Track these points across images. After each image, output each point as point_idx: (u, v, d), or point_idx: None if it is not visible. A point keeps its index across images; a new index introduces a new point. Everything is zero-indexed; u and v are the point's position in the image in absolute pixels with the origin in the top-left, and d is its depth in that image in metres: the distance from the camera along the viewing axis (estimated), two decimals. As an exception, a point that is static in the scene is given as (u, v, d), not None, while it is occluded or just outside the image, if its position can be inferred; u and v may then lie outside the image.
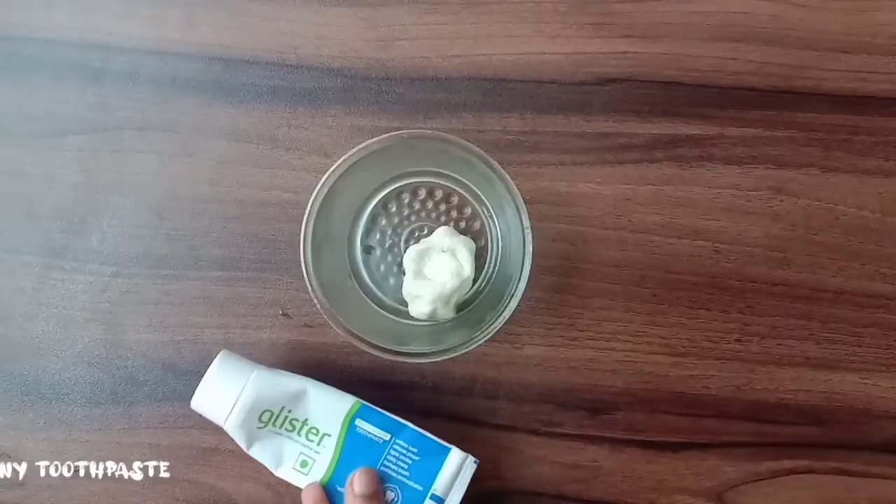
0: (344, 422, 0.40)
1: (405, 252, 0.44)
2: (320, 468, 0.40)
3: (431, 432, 0.46)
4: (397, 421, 0.41)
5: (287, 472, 0.40)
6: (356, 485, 0.39)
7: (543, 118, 0.47)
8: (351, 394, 0.41)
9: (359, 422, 0.40)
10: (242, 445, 0.40)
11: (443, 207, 0.46)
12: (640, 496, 0.46)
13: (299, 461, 0.40)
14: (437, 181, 0.45)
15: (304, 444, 0.40)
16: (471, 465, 0.40)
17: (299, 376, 0.41)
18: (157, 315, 0.47)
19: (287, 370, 0.46)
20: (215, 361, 0.40)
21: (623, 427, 0.46)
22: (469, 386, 0.46)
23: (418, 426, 0.43)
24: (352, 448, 0.40)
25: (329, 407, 0.40)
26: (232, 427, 0.39)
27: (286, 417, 0.40)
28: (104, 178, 0.48)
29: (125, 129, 0.48)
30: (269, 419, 0.40)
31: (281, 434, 0.40)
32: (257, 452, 0.40)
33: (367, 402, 0.41)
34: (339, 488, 0.39)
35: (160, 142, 0.48)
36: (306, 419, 0.40)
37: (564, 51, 0.47)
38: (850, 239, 0.46)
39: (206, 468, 0.46)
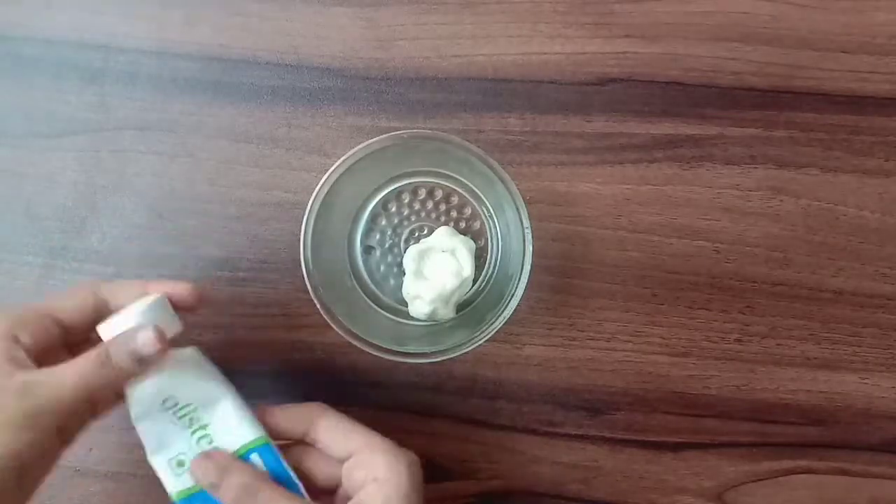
0: (239, 449, 0.37)
1: (405, 252, 0.44)
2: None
3: (431, 432, 0.46)
4: (289, 473, 0.37)
5: (161, 462, 0.36)
6: (198, 477, 0.36)
7: (543, 118, 0.47)
8: (257, 429, 0.37)
9: (253, 456, 0.37)
10: (133, 413, 0.36)
11: (443, 207, 0.46)
12: (640, 496, 0.46)
13: (178, 459, 0.37)
14: (437, 181, 0.45)
15: (191, 446, 0.37)
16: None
17: (223, 381, 0.38)
18: (157, 315, 0.47)
19: (287, 370, 0.46)
20: (151, 302, 0.36)
21: (623, 427, 0.46)
22: (469, 386, 0.46)
23: (418, 426, 0.43)
24: None
25: (234, 425, 0.37)
26: (135, 393, 0.36)
27: (189, 412, 0.37)
28: (104, 178, 0.48)
29: (125, 129, 0.48)
30: (173, 405, 0.36)
31: (176, 424, 0.37)
32: (144, 427, 0.36)
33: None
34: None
35: (160, 142, 0.47)
36: (206, 424, 0.37)
37: (564, 51, 0.47)
38: (850, 239, 0.46)
39: (206, 468, 0.46)
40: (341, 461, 0.37)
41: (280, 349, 0.46)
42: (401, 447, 0.37)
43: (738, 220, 0.46)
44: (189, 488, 0.37)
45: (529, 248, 0.40)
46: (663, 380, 0.46)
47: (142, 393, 0.36)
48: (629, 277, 0.46)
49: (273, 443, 0.37)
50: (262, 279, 0.47)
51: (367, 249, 0.46)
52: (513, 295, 0.40)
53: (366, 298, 0.45)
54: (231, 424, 0.37)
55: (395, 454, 0.36)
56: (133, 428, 0.46)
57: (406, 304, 0.44)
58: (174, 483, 0.37)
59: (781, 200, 0.47)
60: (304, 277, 0.41)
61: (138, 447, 0.46)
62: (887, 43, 0.47)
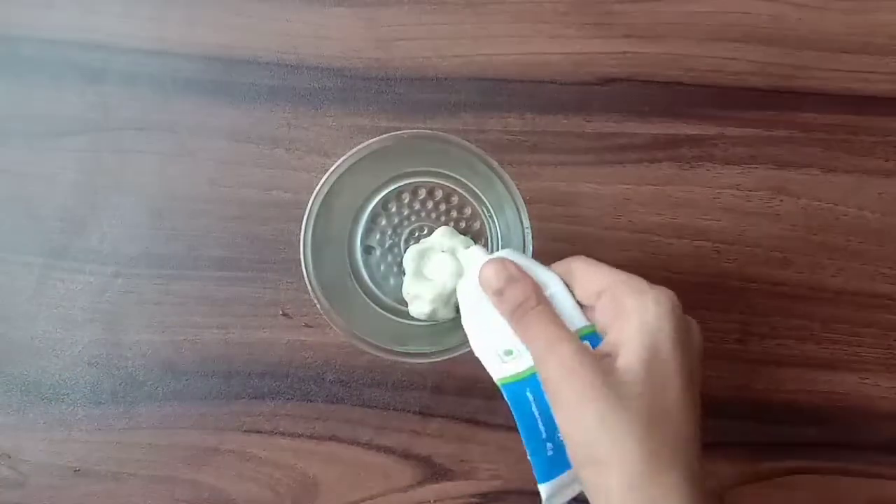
0: None
1: (405, 252, 0.44)
2: (522, 364, 0.34)
3: (431, 432, 0.46)
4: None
5: (488, 352, 0.35)
6: (485, 280, 0.34)
7: (543, 118, 0.47)
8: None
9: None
10: (462, 307, 0.36)
11: (443, 207, 0.46)
12: (640, 496, 0.46)
13: (505, 348, 0.35)
14: (437, 181, 0.45)
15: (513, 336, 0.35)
16: None
17: (547, 269, 0.36)
18: (157, 315, 0.47)
19: (287, 370, 0.46)
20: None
21: (623, 427, 0.46)
22: (469, 386, 0.46)
23: (418, 426, 0.43)
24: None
25: (565, 313, 0.34)
26: (463, 287, 0.36)
27: None
28: (104, 178, 0.48)
29: (125, 129, 0.48)
30: None
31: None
32: (472, 320, 0.36)
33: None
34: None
35: (160, 142, 0.48)
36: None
37: (564, 51, 0.47)
38: (850, 239, 0.46)
39: (206, 468, 0.46)
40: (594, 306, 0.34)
41: (280, 349, 0.46)
42: (656, 286, 0.32)
43: (738, 220, 0.46)
44: (514, 375, 0.34)
45: (529, 249, 0.40)
46: (663, 380, 0.46)
47: (469, 286, 0.36)
48: (629, 277, 0.46)
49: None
50: (262, 279, 0.47)
51: (367, 249, 0.46)
52: (513, 295, 0.40)
53: (366, 298, 0.45)
54: (561, 311, 0.34)
55: (641, 289, 0.31)
56: (133, 429, 0.46)
57: (406, 304, 0.44)
58: (499, 370, 0.35)
59: (781, 200, 0.47)
60: (304, 277, 0.41)
61: (138, 447, 0.46)
62: (887, 43, 0.47)
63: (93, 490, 0.46)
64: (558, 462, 0.33)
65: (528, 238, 0.40)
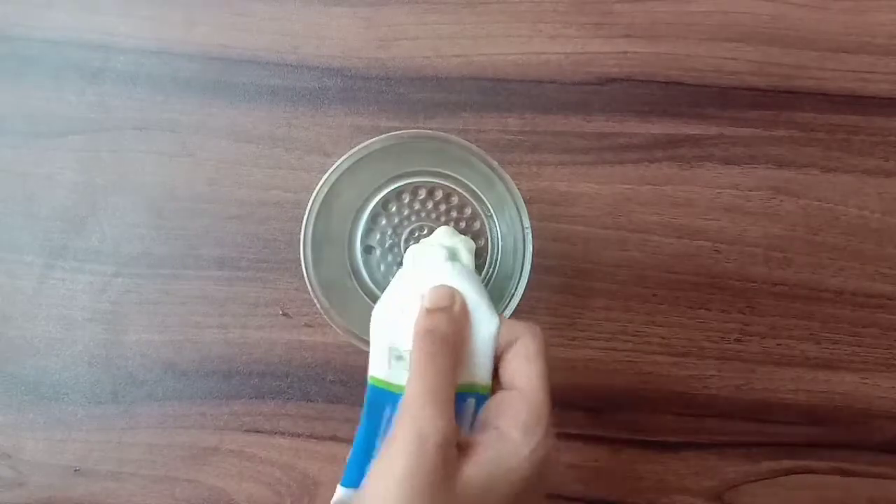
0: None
1: (405, 252, 0.44)
2: (402, 379, 0.32)
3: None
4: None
5: (382, 343, 0.34)
6: (430, 296, 0.33)
7: (543, 118, 0.47)
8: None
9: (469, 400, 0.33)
10: (401, 269, 0.36)
11: (443, 207, 0.46)
12: (640, 496, 0.46)
13: (398, 353, 0.33)
14: (437, 181, 0.45)
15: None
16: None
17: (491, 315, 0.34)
18: (157, 315, 0.47)
19: (287, 370, 0.46)
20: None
21: (623, 427, 0.46)
22: (469, 386, 0.46)
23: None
24: None
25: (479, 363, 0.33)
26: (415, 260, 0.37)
27: None
28: (104, 178, 0.48)
29: (125, 129, 0.48)
30: None
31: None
32: (393, 299, 0.35)
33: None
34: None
35: (160, 142, 0.48)
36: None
37: (564, 51, 0.47)
38: (850, 239, 0.46)
39: (206, 468, 0.46)
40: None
41: (280, 349, 0.46)
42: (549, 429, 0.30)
43: (738, 220, 0.46)
44: (388, 384, 0.33)
45: (529, 248, 0.40)
46: (663, 380, 0.46)
47: (414, 278, 0.35)
48: (629, 277, 0.46)
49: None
50: (261, 278, 0.47)
51: (367, 249, 0.46)
52: (513, 295, 0.40)
53: (366, 298, 0.45)
54: (471, 357, 0.33)
55: (527, 430, 0.29)
56: (133, 429, 0.46)
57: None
58: (381, 368, 0.33)
59: (781, 200, 0.47)
60: (304, 277, 0.41)
61: (138, 447, 0.46)
62: (887, 43, 0.47)
63: (93, 490, 0.46)
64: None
65: (528, 238, 0.40)
